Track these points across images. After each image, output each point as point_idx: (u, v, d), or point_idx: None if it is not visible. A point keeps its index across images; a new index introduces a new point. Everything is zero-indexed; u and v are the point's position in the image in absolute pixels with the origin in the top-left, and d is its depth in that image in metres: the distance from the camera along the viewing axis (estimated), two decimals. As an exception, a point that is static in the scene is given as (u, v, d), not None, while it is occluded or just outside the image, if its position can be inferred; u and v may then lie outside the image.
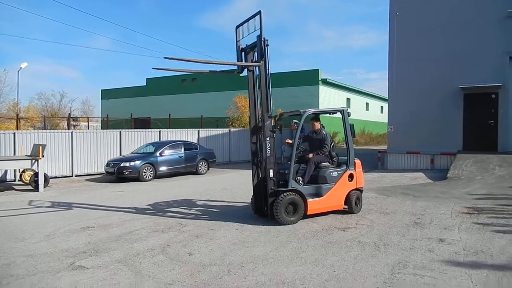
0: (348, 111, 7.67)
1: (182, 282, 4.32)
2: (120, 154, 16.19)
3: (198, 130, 19.89)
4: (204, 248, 5.58)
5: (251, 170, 7.53)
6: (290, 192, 6.84)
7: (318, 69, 31.91)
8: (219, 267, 4.77)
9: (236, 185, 12.00)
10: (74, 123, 34.02)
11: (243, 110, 26.33)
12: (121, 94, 42.23)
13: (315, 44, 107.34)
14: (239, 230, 6.55)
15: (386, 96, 18.59)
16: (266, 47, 6.93)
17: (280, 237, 6.08)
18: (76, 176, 15.24)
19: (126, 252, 5.45)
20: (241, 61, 7.35)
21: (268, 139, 6.90)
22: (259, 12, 6.78)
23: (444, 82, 15.16)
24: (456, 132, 14.98)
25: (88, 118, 29.20)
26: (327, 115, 8.31)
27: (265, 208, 7.21)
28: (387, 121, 16.89)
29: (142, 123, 29.60)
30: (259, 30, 6.86)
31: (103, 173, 14.98)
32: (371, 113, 41.07)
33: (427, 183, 11.81)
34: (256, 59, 7.15)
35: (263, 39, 6.86)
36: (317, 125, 7.64)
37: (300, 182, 7.15)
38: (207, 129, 20.88)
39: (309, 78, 31.52)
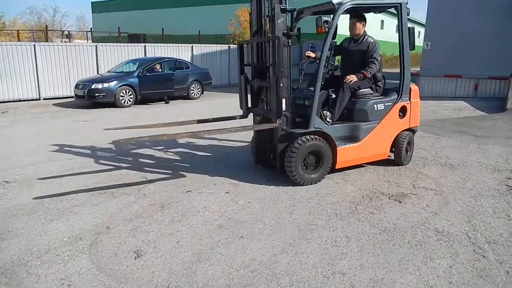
0: (407, 5, 4.81)
1: None
2: (98, 73, 13.48)
3: (192, 46, 16.78)
4: (166, 238, 3.20)
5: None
6: (313, 136, 4.31)
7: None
8: (181, 299, 2.41)
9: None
10: (66, 40, 30.53)
11: (246, 25, 22.59)
12: (113, 8, 37.81)
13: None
14: (231, 195, 4.15)
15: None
16: None
17: (295, 213, 3.67)
18: (44, 99, 12.72)
19: (26, 246, 3.08)
20: None
21: (280, 49, 4.14)
22: None
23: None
24: (510, 50, 11.94)
25: (69, 31, 25.67)
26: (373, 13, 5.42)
27: (271, 156, 4.76)
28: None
29: (135, 40, 26.13)
30: None
31: (75, 96, 12.41)
32: (386, 32, 36.52)
33: (481, 115, 9.15)
34: None
35: None
36: (360, 28, 4.78)
37: (328, 119, 4.56)
38: (202, 44, 17.74)
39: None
